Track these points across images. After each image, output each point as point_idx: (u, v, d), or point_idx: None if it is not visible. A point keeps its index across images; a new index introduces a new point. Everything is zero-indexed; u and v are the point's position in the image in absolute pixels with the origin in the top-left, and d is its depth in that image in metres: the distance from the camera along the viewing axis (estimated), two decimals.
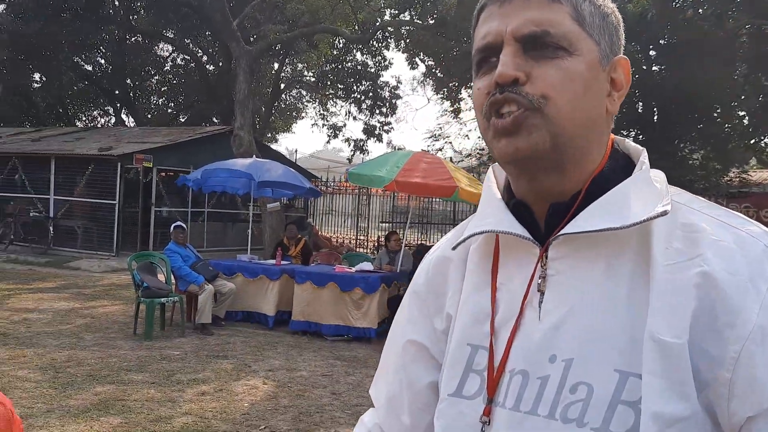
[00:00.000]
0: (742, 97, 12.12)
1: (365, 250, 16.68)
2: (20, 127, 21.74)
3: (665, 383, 0.65)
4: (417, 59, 18.45)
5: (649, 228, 0.71)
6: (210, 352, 6.48)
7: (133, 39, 23.63)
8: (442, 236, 0.96)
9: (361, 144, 22.79)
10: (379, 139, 22.70)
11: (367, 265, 8.13)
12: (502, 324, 0.77)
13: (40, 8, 18.66)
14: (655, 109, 12.77)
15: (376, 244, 17.56)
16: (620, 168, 0.77)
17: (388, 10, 17.60)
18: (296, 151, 28.14)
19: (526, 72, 0.71)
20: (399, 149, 19.44)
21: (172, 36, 22.79)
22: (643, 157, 0.77)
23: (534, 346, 0.73)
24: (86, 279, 11.33)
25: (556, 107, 0.71)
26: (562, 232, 0.73)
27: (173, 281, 7.66)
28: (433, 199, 19.44)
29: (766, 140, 13.60)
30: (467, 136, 19.04)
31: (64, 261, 13.29)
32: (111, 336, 6.95)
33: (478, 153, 17.68)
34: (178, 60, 25.69)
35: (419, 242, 15.82)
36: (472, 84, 0.80)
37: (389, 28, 18.15)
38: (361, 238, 19.13)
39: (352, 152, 22.92)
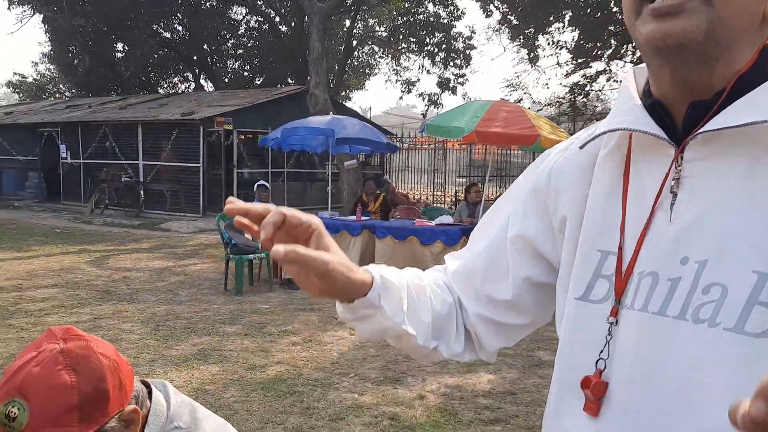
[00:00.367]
0: None
1: (443, 206, 16.62)
2: (107, 97, 22.73)
3: None
4: (492, 6, 17.87)
5: None
6: (297, 306, 6.67)
7: (207, 4, 24.03)
8: None
9: (435, 98, 22.38)
10: (454, 92, 22.29)
11: (447, 219, 8.07)
12: (632, 227, 0.75)
13: None
14: None
15: (453, 198, 17.44)
16: None
17: None
18: (370, 108, 28.18)
19: None
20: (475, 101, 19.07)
21: None
22: None
23: (664, 248, 0.71)
24: (177, 239, 11.86)
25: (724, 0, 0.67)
26: (701, 129, 0.69)
27: None
28: (512, 152, 19.05)
29: None
30: (546, 85, 18.49)
31: (155, 223, 13.94)
32: (204, 292, 7.27)
33: (557, 102, 17.13)
34: (252, 22, 25.98)
35: (498, 194, 15.61)
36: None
37: None
38: (438, 193, 19.03)
39: (426, 107, 22.63)
